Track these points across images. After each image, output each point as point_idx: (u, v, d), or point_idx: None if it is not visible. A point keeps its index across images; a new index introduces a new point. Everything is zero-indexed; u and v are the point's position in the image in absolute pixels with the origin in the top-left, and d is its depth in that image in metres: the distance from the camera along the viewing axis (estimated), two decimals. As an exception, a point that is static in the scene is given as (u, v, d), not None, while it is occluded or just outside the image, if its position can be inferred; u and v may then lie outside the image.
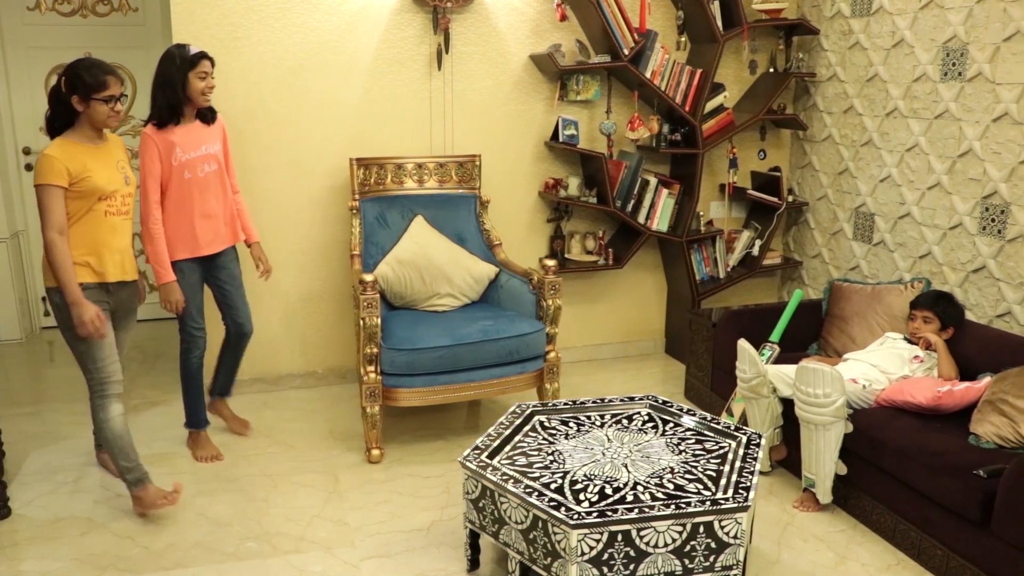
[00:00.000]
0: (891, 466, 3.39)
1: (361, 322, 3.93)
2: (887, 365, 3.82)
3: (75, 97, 3.31)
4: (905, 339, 3.97)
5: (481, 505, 3.05)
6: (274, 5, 4.53)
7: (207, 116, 3.90)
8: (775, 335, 4.28)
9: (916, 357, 3.85)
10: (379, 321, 3.93)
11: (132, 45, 5.77)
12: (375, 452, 4.08)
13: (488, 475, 2.97)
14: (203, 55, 3.76)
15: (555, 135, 5.08)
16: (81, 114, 3.36)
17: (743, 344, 3.87)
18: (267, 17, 4.53)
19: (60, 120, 3.40)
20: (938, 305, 3.95)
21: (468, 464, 3.06)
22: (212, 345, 4.11)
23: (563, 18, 4.91)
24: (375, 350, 3.97)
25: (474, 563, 3.22)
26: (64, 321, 3.40)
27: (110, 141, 3.52)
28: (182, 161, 3.76)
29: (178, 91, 3.72)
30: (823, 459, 3.58)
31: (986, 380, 3.56)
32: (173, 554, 3.32)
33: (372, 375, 4.00)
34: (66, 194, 3.30)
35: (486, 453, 3.14)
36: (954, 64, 4.33)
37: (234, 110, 4.45)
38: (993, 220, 4.19)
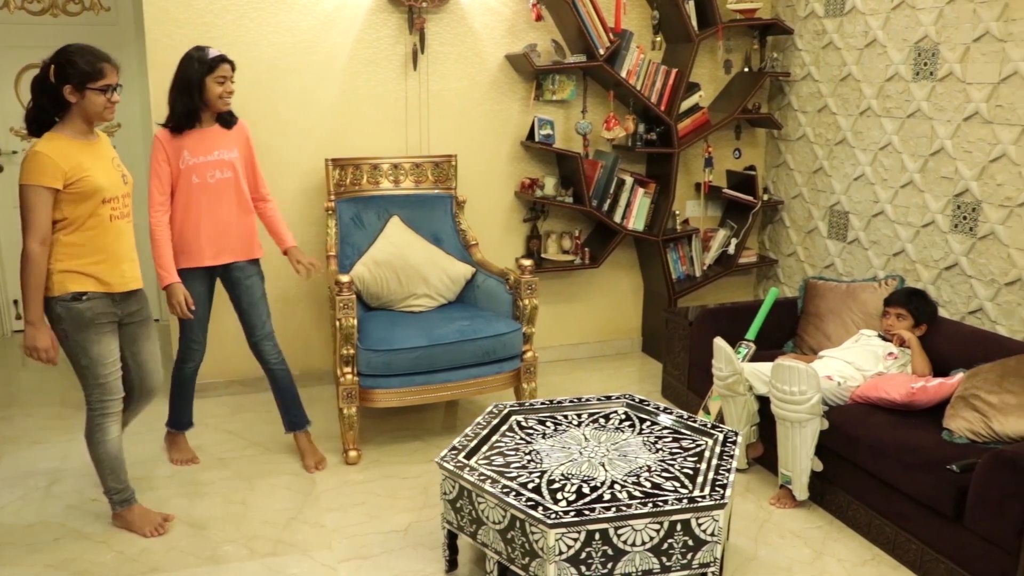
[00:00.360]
0: (866, 462, 3.42)
1: (337, 323, 3.91)
2: (862, 362, 3.85)
3: (68, 87, 3.03)
4: (879, 336, 4.00)
5: (459, 505, 3.04)
6: (249, 5, 4.50)
7: (227, 121, 3.77)
8: (751, 333, 4.30)
9: (890, 354, 3.88)
10: (355, 322, 3.91)
11: (104, 45, 5.65)
12: (352, 453, 4.07)
13: (465, 475, 2.97)
14: (222, 59, 3.64)
15: (531, 135, 5.08)
16: (73, 106, 3.07)
17: (719, 342, 3.89)
18: (242, 17, 4.50)
19: (46, 114, 3.11)
20: (911, 302, 3.98)
21: (445, 465, 3.05)
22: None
23: (539, 18, 4.92)
24: (351, 351, 3.96)
25: (452, 564, 3.21)
26: (63, 333, 3.18)
27: (101, 138, 3.26)
28: (189, 165, 3.65)
29: (195, 96, 3.61)
30: (799, 456, 3.60)
31: (959, 376, 3.59)
32: (148, 559, 3.29)
33: (349, 376, 3.99)
34: (62, 197, 3.03)
35: (463, 453, 3.13)
36: (926, 64, 4.37)
37: (208, 110, 4.44)
38: (965, 218, 4.23)
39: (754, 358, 4.17)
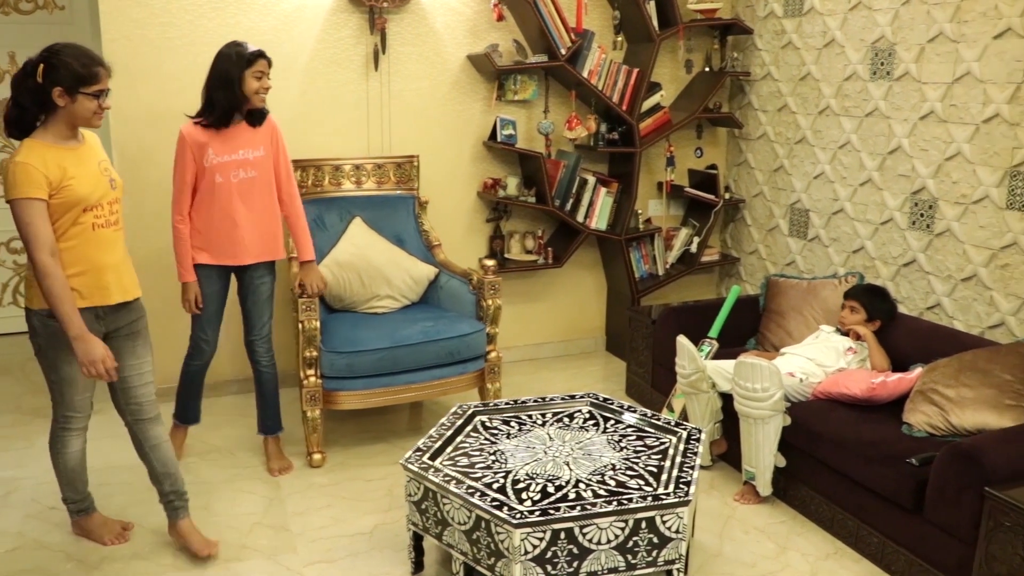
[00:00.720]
0: (828, 457, 3.45)
1: (300, 325, 3.89)
2: (823, 358, 3.88)
3: (57, 89, 2.82)
4: (838, 331, 4.04)
5: (424, 507, 3.03)
6: (208, 4, 4.45)
7: (255, 119, 3.68)
8: (714, 331, 4.33)
9: (850, 349, 3.92)
10: (318, 324, 3.89)
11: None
12: (316, 456, 4.04)
13: (430, 476, 2.96)
14: (261, 54, 3.58)
15: (493, 135, 5.08)
16: (59, 110, 2.87)
17: (682, 340, 3.91)
18: (200, 17, 4.46)
19: (28, 114, 2.90)
20: (865, 296, 4.05)
21: (410, 466, 3.04)
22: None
23: (500, 18, 4.91)
24: (315, 353, 3.93)
25: (418, 565, 3.20)
26: (41, 347, 3.03)
27: (87, 140, 3.04)
28: (213, 164, 3.59)
29: (235, 90, 3.54)
30: (763, 452, 3.62)
31: (918, 371, 3.64)
32: (109, 567, 3.24)
33: (312, 379, 3.96)
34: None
35: (428, 454, 3.12)
36: (882, 64, 4.43)
37: (169, 112, 4.37)
38: (922, 215, 4.29)
39: (717, 355, 4.19)
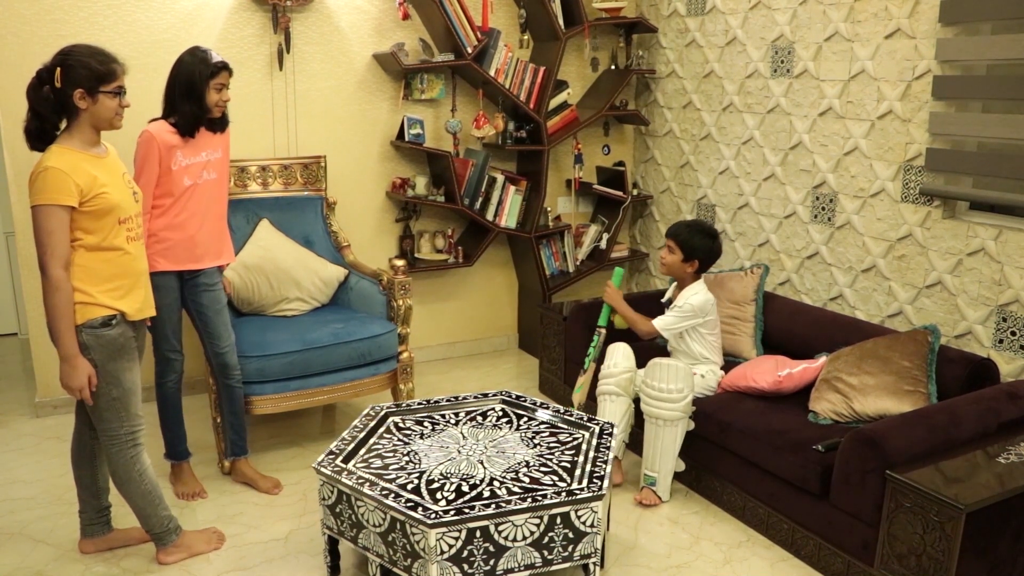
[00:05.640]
0: (738, 447, 3.52)
1: (207, 330, 3.80)
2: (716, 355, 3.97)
3: (78, 91, 2.75)
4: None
5: (338, 510, 3.00)
6: (102, 2, 4.32)
7: (216, 126, 3.57)
8: (602, 319, 4.21)
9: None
10: (226, 328, 3.81)
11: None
12: (228, 463, 3.95)
13: (343, 479, 2.92)
14: (224, 66, 3.47)
15: (401, 134, 5.05)
16: (81, 114, 2.80)
17: (619, 345, 3.89)
18: (95, 14, 4.32)
19: (50, 124, 2.82)
20: (685, 232, 3.86)
21: (323, 469, 3.00)
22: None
23: (405, 17, 4.89)
24: (223, 358, 3.85)
25: (334, 569, 3.16)
26: (97, 362, 2.88)
27: (110, 152, 2.97)
28: (183, 165, 3.45)
29: (203, 102, 3.43)
30: (667, 456, 3.64)
31: (822, 360, 3.74)
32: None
33: (220, 384, 3.88)
34: (76, 215, 2.76)
35: (341, 457, 3.09)
36: (782, 61, 4.54)
37: (61, 113, 4.23)
38: (823, 208, 4.41)
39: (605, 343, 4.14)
